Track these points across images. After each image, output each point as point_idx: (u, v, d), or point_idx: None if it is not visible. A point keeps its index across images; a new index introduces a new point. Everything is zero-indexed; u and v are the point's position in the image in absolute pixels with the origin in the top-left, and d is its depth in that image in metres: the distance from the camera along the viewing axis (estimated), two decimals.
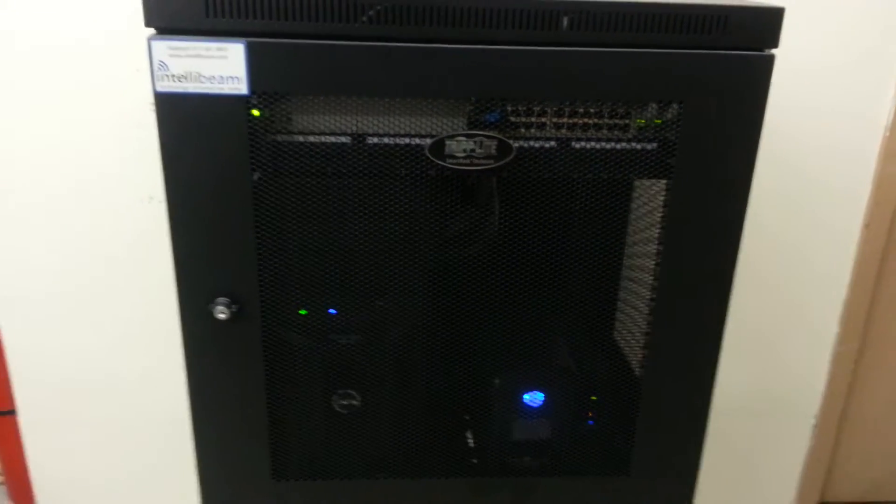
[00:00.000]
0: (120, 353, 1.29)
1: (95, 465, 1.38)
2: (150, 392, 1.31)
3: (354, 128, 0.75)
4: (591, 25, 0.70)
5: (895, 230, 1.36)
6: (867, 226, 1.33)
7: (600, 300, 0.94)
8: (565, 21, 0.70)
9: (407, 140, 0.75)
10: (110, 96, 1.10)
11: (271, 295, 0.79)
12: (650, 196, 0.84)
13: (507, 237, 0.83)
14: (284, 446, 0.89)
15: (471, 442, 0.99)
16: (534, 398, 0.94)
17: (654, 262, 0.82)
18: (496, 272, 0.85)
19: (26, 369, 1.29)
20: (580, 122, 0.77)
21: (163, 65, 0.68)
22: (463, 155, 0.74)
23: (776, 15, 0.72)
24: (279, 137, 0.74)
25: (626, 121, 0.77)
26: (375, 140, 0.75)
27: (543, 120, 0.76)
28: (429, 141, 0.73)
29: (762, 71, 0.73)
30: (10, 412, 1.35)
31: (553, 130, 0.77)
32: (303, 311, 0.86)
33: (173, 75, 0.68)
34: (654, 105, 0.77)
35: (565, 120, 0.76)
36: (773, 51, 0.73)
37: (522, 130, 0.76)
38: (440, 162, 0.74)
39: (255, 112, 0.71)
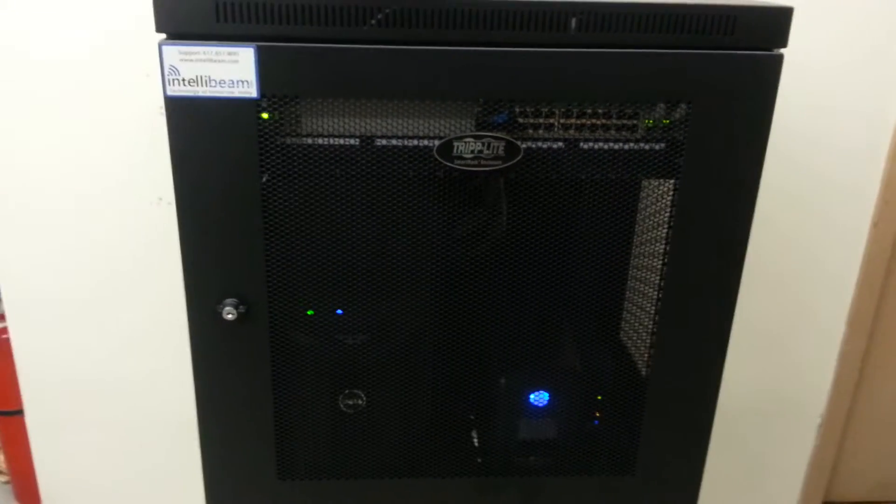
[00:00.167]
0: (127, 354, 1.29)
1: (102, 465, 1.38)
2: (157, 393, 1.32)
3: (363, 130, 0.75)
4: (599, 26, 0.70)
5: None
6: (875, 224, 1.32)
7: (607, 300, 0.94)
8: (573, 22, 0.70)
9: (415, 142, 0.75)
10: (120, 101, 1.11)
11: (279, 296, 0.80)
12: (658, 196, 0.84)
13: (514, 238, 0.83)
14: (290, 446, 0.89)
15: (476, 441, 0.99)
16: (539, 398, 0.94)
17: (661, 262, 0.82)
18: (503, 272, 0.85)
19: (34, 370, 1.30)
20: (588, 122, 0.76)
21: (174, 69, 0.68)
22: (471, 156, 0.74)
23: (785, 15, 0.72)
24: (288, 140, 0.74)
25: (635, 121, 0.77)
26: (384, 142, 0.75)
27: (551, 121, 0.76)
28: (437, 142, 0.74)
29: (771, 71, 0.73)
30: (18, 412, 1.35)
31: (561, 131, 0.76)
32: (310, 312, 0.86)
33: (184, 79, 0.69)
34: (662, 105, 0.77)
35: (573, 121, 0.76)
36: (782, 50, 0.73)
37: (530, 131, 0.76)
38: (448, 163, 0.74)
39: (265, 115, 0.71)
